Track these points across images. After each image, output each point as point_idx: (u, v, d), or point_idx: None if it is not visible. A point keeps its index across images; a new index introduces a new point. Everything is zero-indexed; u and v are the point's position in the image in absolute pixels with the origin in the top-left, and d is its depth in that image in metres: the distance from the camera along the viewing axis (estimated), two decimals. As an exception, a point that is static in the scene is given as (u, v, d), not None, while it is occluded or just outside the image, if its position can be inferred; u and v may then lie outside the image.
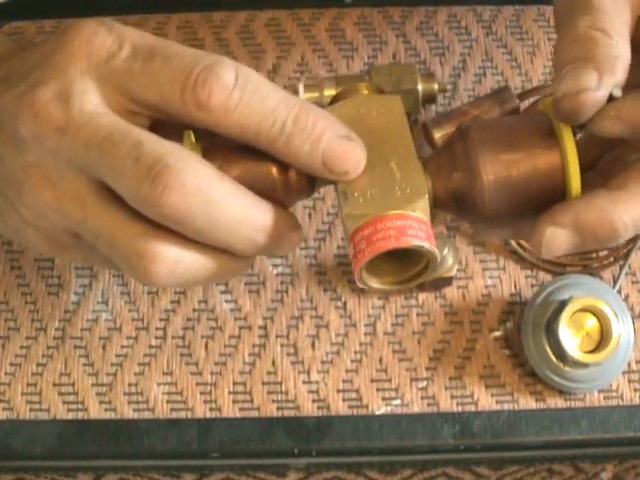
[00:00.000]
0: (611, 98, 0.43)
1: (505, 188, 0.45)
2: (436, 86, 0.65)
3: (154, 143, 0.43)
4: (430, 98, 0.66)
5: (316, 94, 0.66)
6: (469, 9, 0.71)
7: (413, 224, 0.44)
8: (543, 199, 0.45)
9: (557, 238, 0.43)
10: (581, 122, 0.43)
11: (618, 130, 0.43)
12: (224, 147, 0.46)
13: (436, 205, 0.47)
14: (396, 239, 0.43)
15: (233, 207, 0.44)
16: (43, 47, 0.47)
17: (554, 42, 0.67)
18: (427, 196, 0.45)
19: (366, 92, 0.50)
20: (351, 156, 0.45)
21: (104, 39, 0.45)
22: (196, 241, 0.44)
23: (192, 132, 0.46)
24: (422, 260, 0.45)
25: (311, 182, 0.48)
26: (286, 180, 0.47)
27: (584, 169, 0.44)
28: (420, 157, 0.47)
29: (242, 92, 0.43)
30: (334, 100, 0.50)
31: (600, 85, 0.42)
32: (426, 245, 0.44)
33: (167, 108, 0.44)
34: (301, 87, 0.66)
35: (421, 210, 0.45)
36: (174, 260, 0.44)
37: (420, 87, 0.64)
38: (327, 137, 0.44)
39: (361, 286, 0.45)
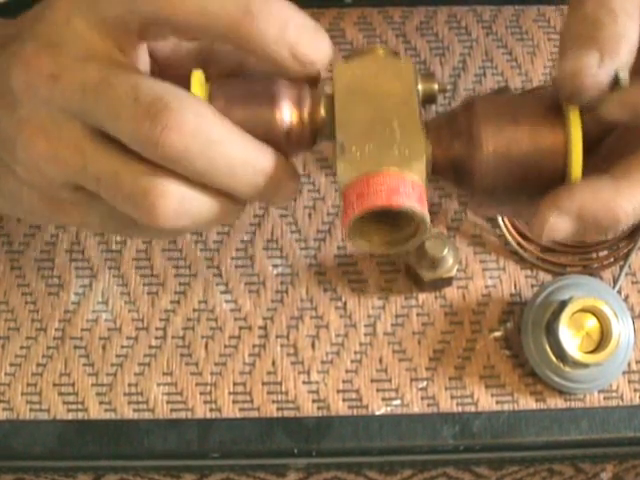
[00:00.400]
0: (617, 81, 0.42)
1: (505, 161, 0.44)
2: (436, 86, 0.65)
3: (152, 83, 0.42)
4: (430, 98, 0.65)
5: (316, 94, 0.66)
6: (469, 9, 0.71)
7: (407, 185, 0.43)
8: (543, 177, 0.45)
9: (560, 224, 0.43)
10: (583, 102, 0.43)
11: (622, 116, 0.42)
12: (231, 90, 0.46)
13: (435, 171, 0.46)
14: (387, 197, 0.43)
15: (233, 149, 0.43)
16: (33, 11, 0.47)
17: (554, 42, 0.67)
18: (425, 159, 0.45)
19: (382, 53, 0.49)
20: (320, 45, 0.45)
21: None
22: (199, 182, 0.44)
23: (201, 72, 0.45)
24: (412, 224, 0.45)
25: (313, 132, 0.47)
26: (289, 126, 0.46)
27: (586, 151, 0.44)
28: (423, 122, 0.47)
29: None
30: (348, 58, 0.50)
31: (602, 65, 0.42)
32: (417, 207, 0.43)
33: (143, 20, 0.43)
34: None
35: (417, 172, 0.44)
36: (179, 197, 0.43)
37: (420, 87, 0.64)
38: (295, 23, 0.43)
39: (349, 244, 0.45)
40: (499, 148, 0.44)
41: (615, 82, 0.42)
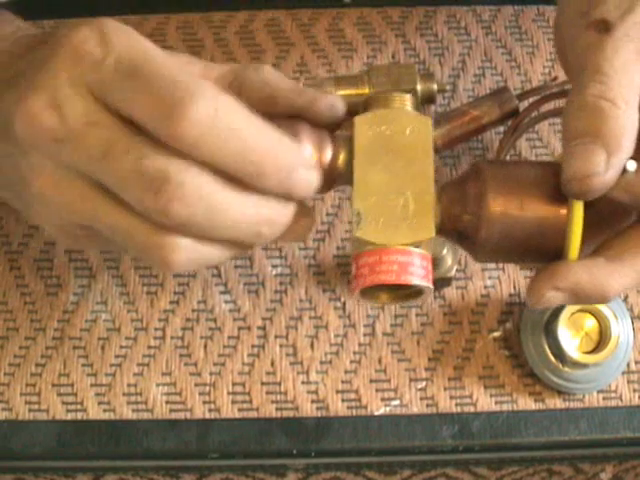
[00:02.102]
0: (624, 170, 0.44)
1: (507, 237, 0.47)
2: (435, 86, 0.65)
3: (155, 154, 0.43)
4: (429, 98, 0.65)
5: (315, 94, 0.66)
6: (468, 9, 0.71)
7: (415, 261, 0.46)
8: (541, 253, 0.47)
9: (554, 299, 0.46)
10: (590, 199, 0.44)
11: (625, 199, 0.45)
12: None
13: (439, 233, 0.48)
14: (397, 275, 0.46)
15: (235, 210, 0.44)
16: (39, 51, 0.47)
17: (554, 43, 0.67)
18: (434, 233, 0.47)
19: (398, 104, 0.51)
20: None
21: (92, 48, 0.44)
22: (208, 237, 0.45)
23: None
24: (418, 291, 0.48)
25: (332, 177, 0.49)
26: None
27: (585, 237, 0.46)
28: (435, 187, 0.48)
29: (214, 127, 0.42)
30: (365, 105, 0.51)
31: (609, 167, 0.43)
32: (424, 283, 0.47)
33: (144, 126, 0.44)
34: (300, 87, 0.66)
35: (425, 246, 0.47)
36: (190, 250, 0.45)
37: (419, 87, 0.64)
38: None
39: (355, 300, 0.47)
40: (503, 227, 0.46)
41: (623, 170, 0.44)
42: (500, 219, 0.46)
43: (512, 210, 0.46)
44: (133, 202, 0.43)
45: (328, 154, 0.49)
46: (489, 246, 0.47)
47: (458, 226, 0.48)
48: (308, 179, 0.46)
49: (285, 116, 0.49)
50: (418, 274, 0.46)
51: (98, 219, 0.45)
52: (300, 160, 0.45)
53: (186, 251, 0.45)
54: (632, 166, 0.44)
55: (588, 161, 0.43)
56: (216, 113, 0.42)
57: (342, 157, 0.49)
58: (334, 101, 0.49)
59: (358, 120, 0.49)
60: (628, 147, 0.44)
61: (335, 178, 0.49)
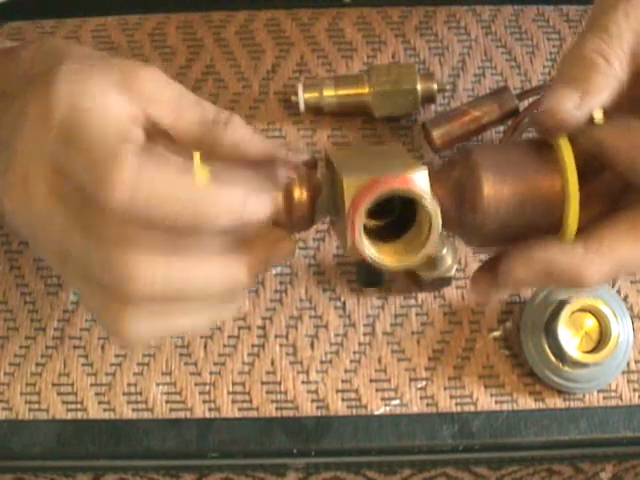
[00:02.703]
0: (592, 119, 0.45)
1: (505, 219, 0.45)
2: (435, 86, 0.65)
3: (119, 254, 0.42)
4: (429, 98, 0.66)
5: (315, 94, 0.66)
6: (468, 9, 0.70)
7: (414, 180, 0.44)
8: (539, 229, 0.46)
9: (527, 277, 0.45)
10: (557, 135, 0.45)
11: (591, 149, 0.45)
12: (234, 174, 0.46)
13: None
14: (400, 182, 0.44)
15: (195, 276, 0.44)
16: (10, 116, 0.46)
17: (553, 42, 0.67)
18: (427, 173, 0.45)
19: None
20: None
21: (41, 121, 0.44)
22: None
23: (199, 154, 0.45)
24: (423, 231, 0.45)
25: (312, 212, 0.48)
26: (289, 208, 0.47)
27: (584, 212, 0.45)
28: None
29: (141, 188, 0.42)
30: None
31: (580, 107, 0.45)
32: (427, 195, 0.44)
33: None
34: (300, 87, 0.66)
35: (422, 179, 0.45)
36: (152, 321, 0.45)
37: (419, 87, 0.64)
38: None
39: (360, 252, 0.44)
40: (500, 207, 0.45)
41: (591, 120, 0.45)
42: (495, 200, 0.45)
43: (506, 189, 0.45)
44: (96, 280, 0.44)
45: (306, 191, 0.48)
46: (489, 230, 0.46)
47: (453, 213, 0.46)
48: (257, 216, 0.44)
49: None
50: (420, 187, 0.44)
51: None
52: (234, 204, 0.43)
53: (146, 323, 0.44)
54: (599, 115, 0.45)
55: (563, 97, 0.45)
56: (140, 177, 0.41)
57: (321, 190, 0.48)
58: (303, 158, 0.49)
59: (330, 150, 0.49)
60: (603, 98, 0.45)
61: (315, 213, 0.48)
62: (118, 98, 0.44)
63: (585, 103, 0.45)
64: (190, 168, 0.43)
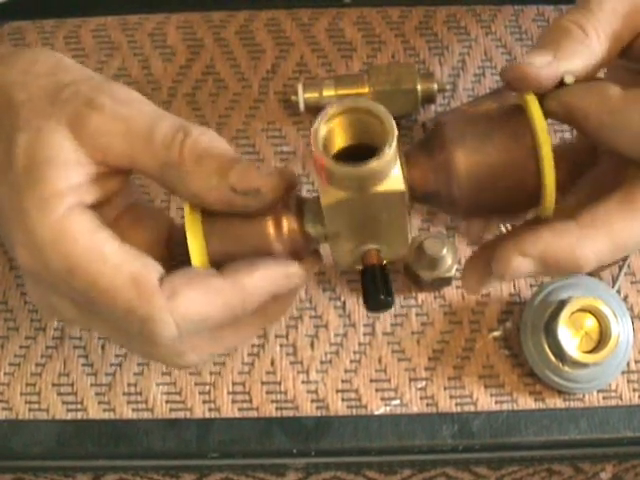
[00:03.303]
0: (562, 83, 0.45)
1: (481, 187, 0.45)
2: (435, 86, 0.65)
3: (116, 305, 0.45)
4: (429, 98, 0.66)
5: (315, 94, 0.66)
6: (468, 9, 0.71)
7: None
8: (519, 194, 0.45)
9: (522, 267, 0.44)
10: (523, 90, 0.45)
11: (558, 110, 0.45)
12: (222, 230, 0.47)
13: (413, 200, 0.46)
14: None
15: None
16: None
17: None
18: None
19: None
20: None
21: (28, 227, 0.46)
22: None
23: (189, 205, 0.47)
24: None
25: (307, 244, 0.48)
26: (282, 244, 0.47)
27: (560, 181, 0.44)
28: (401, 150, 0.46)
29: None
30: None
31: (548, 65, 0.44)
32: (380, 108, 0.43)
33: None
34: (300, 87, 0.66)
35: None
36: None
37: (419, 87, 0.65)
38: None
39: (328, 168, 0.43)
40: (472, 168, 0.44)
41: (561, 83, 0.45)
42: (469, 173, 0.44)
43: (479, 160, 0.44)
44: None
45: (296, 236, 0.47)
46: (466, 200, 0.45)
47: (429, 189, 0.46)
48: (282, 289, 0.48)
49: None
50: None
51: (93, 329, 0.50)
52: (261, 293, 0.47)
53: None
54: (569, 79, 0.44)
55: (533, 55, 0.45)
56: (178, 312, 0.45)
57: (309, 225, 0.47)
58: (260, 185, 0.45)
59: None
60: (576, 62, 0.45)
61: (310, 244, 0.48)
62: (77, 162, 0.46)
63: (555, 63, 0.44)
64: (213, 275, 0.46)
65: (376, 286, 0.46)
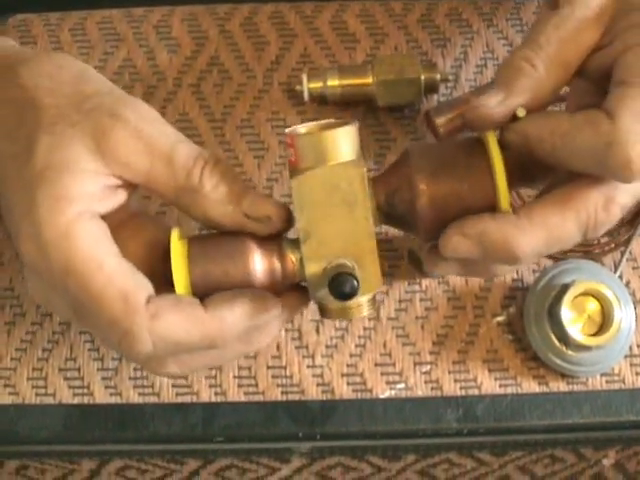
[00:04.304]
0: (515, 117, 0.49)
1: (442, 204, 0.49)
2: (438, 76, 0.66)
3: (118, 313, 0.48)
4: (432, 87, 0.66)
5: (320, 84, 0.66)
6: (470, 2, 0.71)
7: None
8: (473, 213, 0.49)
9: (461, 245, 0.48)
10: (483, 129, 0.50)
11: (515, 140, 0.49)
12: (208, 241, 0.51)
13: (382, 223, 0.51)
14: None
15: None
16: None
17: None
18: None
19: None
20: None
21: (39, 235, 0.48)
22: None
23: (178, 230, 0.50)
24: None
25: (291, 275, 0.51)
26: (265, 279, 0.50)
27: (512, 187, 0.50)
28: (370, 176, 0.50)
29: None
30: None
31: (500, 104, 0.49)
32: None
33: None
34: (304, 77, 0.66)
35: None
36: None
37: (422, 76, 0.65)
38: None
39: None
40: (434, 194, 0.49)
41: (515, 118, 0.49)
42: (430, 199, 0.49)
43: (440, 187, 0.49)
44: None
45: (277, 265, 0.50)
46: (430, 226, 0.49)
47: (396, 212, 0.50)
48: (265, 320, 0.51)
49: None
50: None
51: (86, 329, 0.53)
52: (242, 324, 0.49)
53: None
54: (521, 112, 0.49)
55: (487, 96, 0.49)
56: (156, 331, 0.48)
57: (292, 262, 0.50)
58: (271, 213, 0.50)
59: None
60: (526, 97, 0.49)
61: (292, 280, 0.51)
62: (95, 172, 0.48)
63: (507, 101, 0.49)
64: (196, 305, 0.48)
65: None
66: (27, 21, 0.72)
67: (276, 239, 0.51)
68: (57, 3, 0.72)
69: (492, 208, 0.48)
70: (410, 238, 0.62)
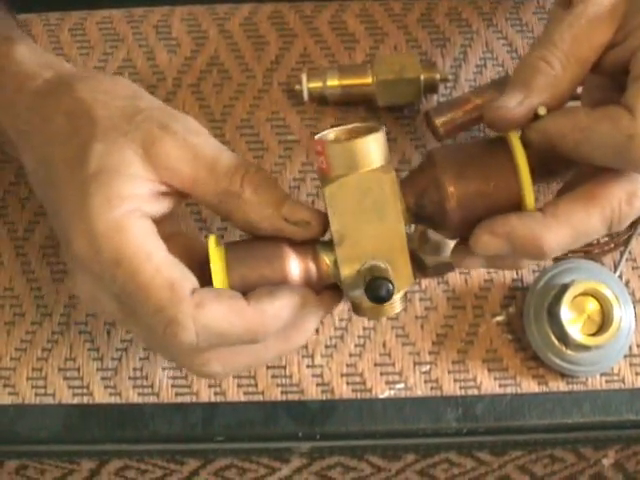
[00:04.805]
0: (537, 116, 0.50)
1: (469, 204, 0.50)
2: (438, 75, 0.66)
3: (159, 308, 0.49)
4: (432, 87, 0.66)
5: (319, 84, 0.66)
6: (469, 2, 0.71)
7: None
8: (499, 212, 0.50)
9: (491, 243, 0.49)
10: (504, 130, 0.50)
11: (537, 139, 0.49)
12: (245, 246, 0.52)
13: (412, 222, 0.52)
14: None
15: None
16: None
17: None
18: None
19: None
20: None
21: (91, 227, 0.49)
22: None
23: (215, 237, 0.52)
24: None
25: (324, 278, 0.52)
26: (299, 275, 0.51)
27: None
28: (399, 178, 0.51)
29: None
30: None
31: (519, 105, 0.50)
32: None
33: None
34: (304, 77, 0.66)
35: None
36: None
37: (422, 76, 0.65)
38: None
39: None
40: (462, 195, 0.50)
41: (536, 117, 0.50)
42: (458, 198, 0.49)
43: (467, 187, 0.49)
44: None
45: (312, 267, 0.51)
46: (458, 225, 0.50)
47: (425, 212, 0.51)
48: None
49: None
50: None
51: (129, 328, 0.53)
52: (281, 318, 0.50)
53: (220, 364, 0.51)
54: (542, 111, 0.49)
55: (507, 96, 0.50)
56: (200, 322, 0.49)
57: (326, 264, 0.52)
58: (309, 218, 0.51)
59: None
60: (545, 96, 0.50)
61: (327, 281, 0.52)
62: (144, 178, 0.50)
63: (527, 100, 0.50)
64: (239, 297, 0.49)
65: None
66: (27, 21, 0.72)
67: (310, 243, 0.52)
68: (57, 3, 0.72)
69: (518, 206, 0.49)
70: (409, 239, 0.62)
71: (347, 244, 0.50)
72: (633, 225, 0.63)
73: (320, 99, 0.67)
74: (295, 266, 0.51)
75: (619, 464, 0.67)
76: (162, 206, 0.52)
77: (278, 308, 0.50)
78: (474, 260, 0.52)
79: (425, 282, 0.63)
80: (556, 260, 0.62)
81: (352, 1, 0.72)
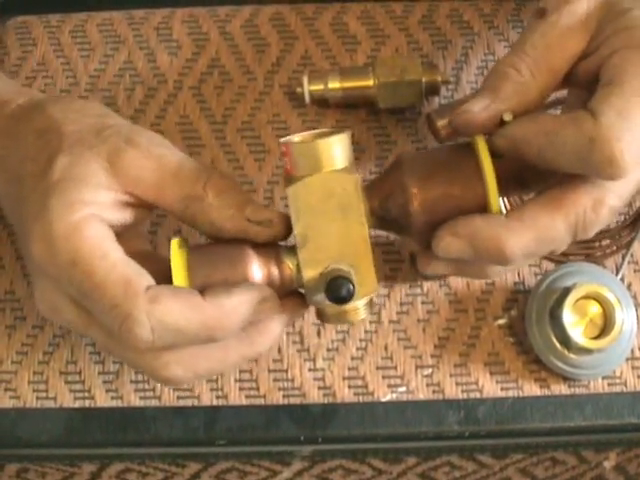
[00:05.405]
0: (503, 122, 0.50)
1: (434, 206, 0.50)
2: (439, 78, 0.66)
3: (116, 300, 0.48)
4: (433, 89, 0.66)
5: (321, 86, 0.66)
6: (471, 3, 0.71)
7: None
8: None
9: (453, 244, 0.50)
10: (470, 134, 0.51)
11: (504, 145, 0.50)
12: (207, 249, 0.52)
13: (376, 228, 0.53)
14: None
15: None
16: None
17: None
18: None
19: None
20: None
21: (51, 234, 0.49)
22: None
23: (178, 240, 0.52)
24: None
25: (288, 282, 0.52)
26: (264, 282, 0.52)
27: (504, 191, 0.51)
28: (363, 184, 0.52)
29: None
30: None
31: (486, 109, 0.51)
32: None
33: None
34: (305, 79, 0.66)
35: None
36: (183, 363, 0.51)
37: (424, 78, 0.65)
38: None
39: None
40: (426, 197, 0.50)
41: (502, 123, 0.50)
42: (423, 202, 0.50)
43: (432, 191, 0.50)
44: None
45: (275, 271, 0.52)
46: (422, 229, 0.50)
47: (390, 216, 0.51)
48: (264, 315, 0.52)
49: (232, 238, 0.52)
50: None
51: (89, 336, 0.52)
52: (242, 316, 0.50)
53: (180, 366, 0.51)
54: (508, 117, 0.50)
55: (473, 101, 0.51)
56: (156, 318, 0.48)
57: (289, 268, 0.52)
58: (272, 217, 0.52)
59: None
60: (512, 103, 0.51)
61: (290, 286, 0.52)
62: (108, 187, 0.51)
63: (492, 105, 0.51)
64: (195, 294, 0.49)
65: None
66: (27, 23, 0.71)
67: (273, 247, 0.52)
68: (57, 5, 0.72)
69: (483, 210, 0.50)
70: (408, 244, 0.62)
71: (310, 247, 0.50)
72: (635, 227, 0.63)
73: (321, 101, 0.67)
74: (257, 269, 0.51)
75: (620, 467, 0.67)
76: (124, 216, 0.52)
77: (236, 303, 0.49)
78: (439, 265, 0.53)
79: (427, 285, 0.63)
80: (558, 263, 0.62)
81: (353, 3, 0.71)
